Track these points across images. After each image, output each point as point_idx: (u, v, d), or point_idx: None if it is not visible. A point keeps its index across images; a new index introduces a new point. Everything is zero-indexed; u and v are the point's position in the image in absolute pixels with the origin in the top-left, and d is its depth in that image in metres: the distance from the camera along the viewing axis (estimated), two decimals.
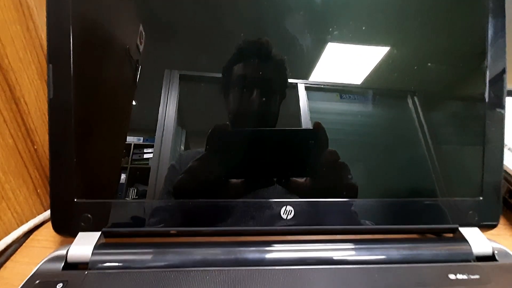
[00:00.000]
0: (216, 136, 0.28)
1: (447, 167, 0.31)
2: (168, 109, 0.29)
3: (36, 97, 0.31)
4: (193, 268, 0.25)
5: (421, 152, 0.31)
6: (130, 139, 0.28)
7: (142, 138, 0.28)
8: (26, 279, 0.23)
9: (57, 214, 0.27)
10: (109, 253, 0.25)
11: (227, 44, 0.28)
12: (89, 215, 0.27)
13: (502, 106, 0.30)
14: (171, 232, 0.28)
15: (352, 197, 0.29)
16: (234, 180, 0.28)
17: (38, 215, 0.32)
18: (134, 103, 0.29)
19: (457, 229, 0.30)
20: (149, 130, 0.28)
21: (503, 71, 0.30)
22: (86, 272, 0.24)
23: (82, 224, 0.27)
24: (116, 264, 0.25)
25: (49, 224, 0.32)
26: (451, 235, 0.30)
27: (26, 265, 0.28)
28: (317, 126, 0.28)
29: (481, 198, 0.30)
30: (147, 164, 0.28)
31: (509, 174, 0.34)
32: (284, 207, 0.28)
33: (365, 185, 0.29)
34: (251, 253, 0.26)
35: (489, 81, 0.30)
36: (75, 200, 0.27)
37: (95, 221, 0.27)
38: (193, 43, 0.29)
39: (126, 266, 0.25)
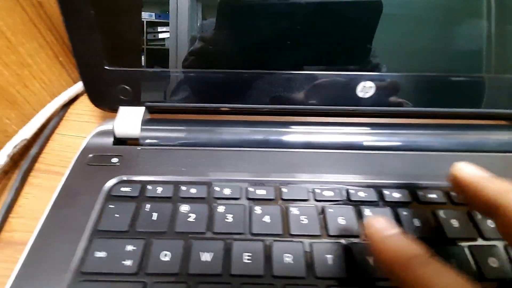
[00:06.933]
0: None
1: None
2: None
3: None
4: (253, 149, 0.22)
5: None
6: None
7: (154, 14, 0.21)
8: (78, 152, 0.22)
9: (90, 84, 0.23)
10: (159, 129, 0.23)
11: None
12: (127, 87, 0.23)
13: None
14: (222, 109, 0.24)
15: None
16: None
17: (69, 87, 0.29)
18: None
19: None
20: (160, 3, 0.21)
21: None
22: (139, 148, 0.22)
23: (122, 97, 0.23)
24: (169, 141, 0.22)
25: (84, 98, 0.30)
26: None
27: (72, 138, 0.26)
28: None
29: None
30: (164, 45, 0.22)
31: None
32: (362, 83, 0.22)
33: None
34: (316, 135, 0.23)
35: None
36: (106, 67, 0.22)
37: (135, 94, 0.23)
38: None
39: (180, 144, 0.22)
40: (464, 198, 0.15)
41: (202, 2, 0.21)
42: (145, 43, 0.22)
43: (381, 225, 0.14)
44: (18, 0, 0.23)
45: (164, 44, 0.22)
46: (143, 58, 0.22)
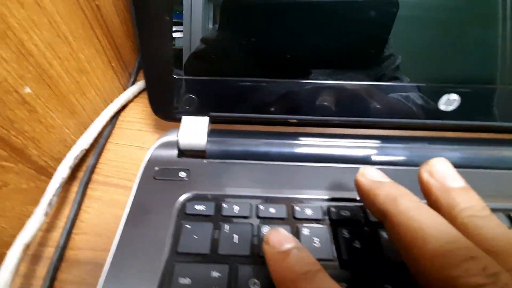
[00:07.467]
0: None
1: None
2: None
3: None
4: (330, 164, 0.21)
5: None
6: None
7: None
8: (144, 165, 0.20)
9: (155, 93, 0.22)
10: (227, 141, 0.22)
11: None
12: (193, 96, 0.22)
13: None
14: (290, 121, 0.22)
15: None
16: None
17: (119, 94, 0.28)
18: None
19: None
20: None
21: None
22: (205, 161, 0.21)
23: (187, 107, 0.22)
24: (237, 154, 0.21)
25: (134, 105, 0.29)
26: None
27: (127, 147, 0.25)
28: None
29: None
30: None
31: None
32: (446, 95, 0.21)
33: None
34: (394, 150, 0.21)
35: None
36: (174, 76, 0.21)
37: (201, 104, 0.22)
38: None
39: (249, 157, 0.21)
40: (365, 206, 0.15)
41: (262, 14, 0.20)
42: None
43: (276, 239, 0.13)
44: (79, 3, 0.22)
45: (225, 51, 0.21)
46: (210, 66, 0.21)
